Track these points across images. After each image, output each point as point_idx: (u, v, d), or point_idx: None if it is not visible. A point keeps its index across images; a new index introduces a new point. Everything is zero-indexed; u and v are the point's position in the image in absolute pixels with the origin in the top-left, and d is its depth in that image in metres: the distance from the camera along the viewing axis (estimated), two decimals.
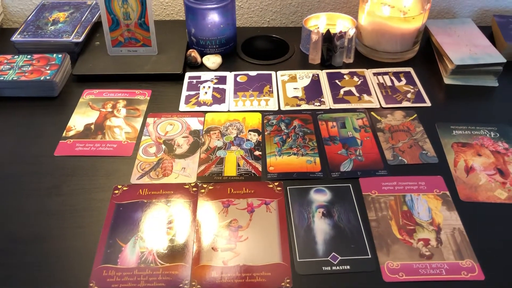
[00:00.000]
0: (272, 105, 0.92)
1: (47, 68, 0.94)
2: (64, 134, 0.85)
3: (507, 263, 0.64)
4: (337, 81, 0.98)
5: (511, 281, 0.62)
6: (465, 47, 0.99)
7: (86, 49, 1.03)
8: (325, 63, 1.02)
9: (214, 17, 0.98)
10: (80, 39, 1.01)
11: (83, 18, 1.08)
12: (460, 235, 0.67)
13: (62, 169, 0.78)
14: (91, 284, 0.61)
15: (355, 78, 0.98)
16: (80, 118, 0.88)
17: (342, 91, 0.95)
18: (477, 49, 0.98)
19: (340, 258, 0.64)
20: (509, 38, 1.03)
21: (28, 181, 0.76)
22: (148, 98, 0.93)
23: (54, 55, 0.97)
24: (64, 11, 1.11)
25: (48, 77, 0.91)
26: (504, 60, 0.95)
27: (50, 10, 1.11)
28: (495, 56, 0.96)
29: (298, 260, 0.64)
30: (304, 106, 0.91)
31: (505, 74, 0.97)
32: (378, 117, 0.88)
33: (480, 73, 0.96)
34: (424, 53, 1.06)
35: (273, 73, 1.00)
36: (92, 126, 0.87)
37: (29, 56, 0.97)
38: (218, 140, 0.84)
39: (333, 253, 0.65)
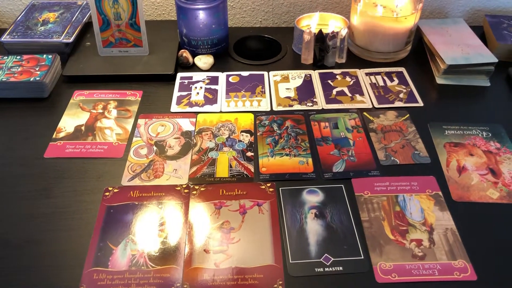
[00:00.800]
0: (265, 106, 0.91)
1: (37, 69, 0.93)
2: (54, 136, 0.84)
3: (500, 263, 0.64)
4: (329, 81, 0.97)
5: (503, 281, 0.62)
6: (457, 47, 0.99)
7: (77, 50, 1.03)
8: (317, 63, 1.01)
9: (205, 17, 0.98)
10: (71, 40, 1.00)
11: (74, 19, 1.07)
12: (452, 235, 0.67)
13: (52, 171, 0.77)
14: None
15: (348, 78, 0.98)
16: (71, 120, 0.87)
17: (334, 91, 0.95)
18: (469, 49, 0.98)
19: (332, 259, 0.64)
20: (501, 38, 1.04)
21: (17, 183, 0.75)
22: (139, 99, 0.93)
23: (44, 55, 0.96)
24: (54, 11, 1.10)
25: (38, 78, 0.90)
26: (496, 60, 0.95)
27: (40, 11, 1.10)
28: (487, 56, 0.96)
29: (290, 261, 0.64)
30: (297, 107, 0.91)
31: (497, 73, 0.97)
32: (371, 117, 0.88)
33: (472, 73, 0.96)
34: (416, 53, 1.07)
35: (265, 73, 1.00)
36: (83, 128, 0.86)
37: (18, 57, 0.96)
38: (210, 141, 0.83)
39: (326, 254, 0.65)
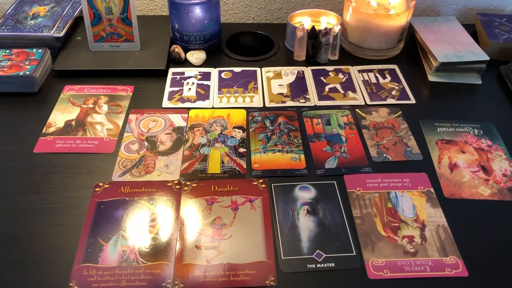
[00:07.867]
0: (257, 102, 0.91)
1: (27, 63, 0.92)
2: (44, 131, 0.83)
3: (491, 259, 0.64)
4: (322, 78, 0.97)
5: (494, 277, 0.62)
6: (449, 44, 0.99)
7: (67, 44, 1.01)
8: (310, 60, 1.01)
9: (198, 13, 0.97)
10: (61, 34, 0.99)
11: (64, 13, 1.06)
12: (444, 232, 0.67)
13: (41, 167, 0.76)
14: (71, 284, 0.60)
15: (340, 75, 0.98)
16: (61, 115, 0.86)
17: (327, 88, 0.94)
18: (461, 47, 0.99)
19: (324, 255, 0.64)
20: (492, 36, 1.04)
21: (6, 179, 0.74)
22: (131, 94, 0.92)
23: (34, 50, 0.95)
24: (44, 5, 1.08)
25: (27, 73, 0.89)
26: (488, 58, 0.95)
27: (30, 4, 1.08)
28: (479, 54, 0.96)
29: (282, 257, 0.64)
30: (289, 103, 0.91)
31: (488, 72, 0.97)
32: (363, 114, 0.88)
33: (464, 71, 0.97)
34: (409, 51, 1.07)
35: (258, 69, 0.99)
36: (73, 123, 0.85)
37: (8, 51, 0.95)
38: (202, 137, 0.83)
39: (318, 250, 0.64)
